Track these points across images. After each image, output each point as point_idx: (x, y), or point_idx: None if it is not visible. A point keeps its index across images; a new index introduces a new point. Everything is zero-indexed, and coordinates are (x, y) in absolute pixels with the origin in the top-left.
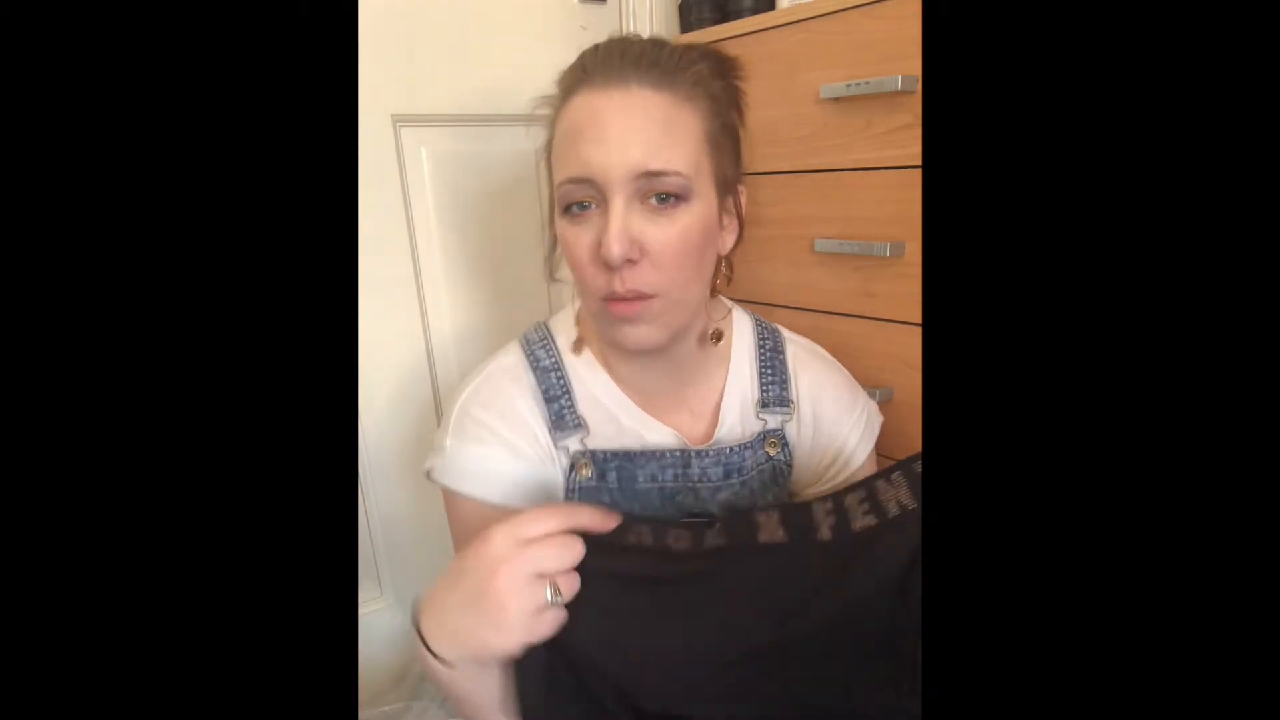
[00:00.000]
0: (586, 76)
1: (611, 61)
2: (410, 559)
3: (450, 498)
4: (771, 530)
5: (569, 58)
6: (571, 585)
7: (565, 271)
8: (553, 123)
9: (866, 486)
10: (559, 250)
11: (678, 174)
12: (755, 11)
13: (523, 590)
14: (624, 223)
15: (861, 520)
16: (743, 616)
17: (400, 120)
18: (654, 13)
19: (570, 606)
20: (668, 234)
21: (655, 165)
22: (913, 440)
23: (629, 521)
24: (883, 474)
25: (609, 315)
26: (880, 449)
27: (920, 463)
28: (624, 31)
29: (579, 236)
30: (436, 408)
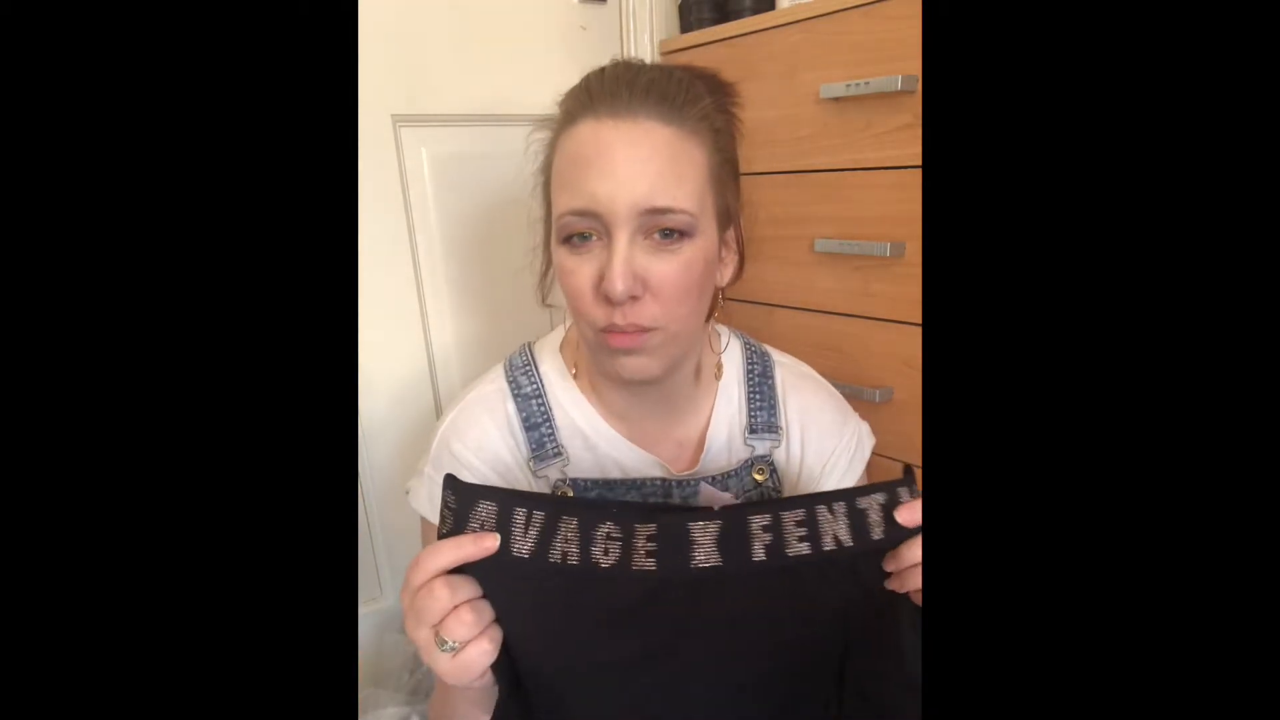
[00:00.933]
0: (592, 103)
1: (619, 90)
2: (409, 560)
3: (423, 522)
4: (706, 551)
5: (569, 58)
6: (459, 627)
7: (555, 296)
8: (552, 145)
9: (806, 509)
10: (552, 275)
11: (683, 211)
12: (755, 11)
13: (429, 644)
14: (628, 258)
15: (795, 546)
16: (667, 645)
17: (400, 120)
18: (654, 13)
19: (501, 624)
20: (670, 269)
21: (662, 202)
22: (913, 440)
23: (553, 521)
24: (825, 499)
25: (606, 346)
26: (880, 449)
27: (863, 499)
28: (623, 32)
29: (579, 267)
30: (437, 412)
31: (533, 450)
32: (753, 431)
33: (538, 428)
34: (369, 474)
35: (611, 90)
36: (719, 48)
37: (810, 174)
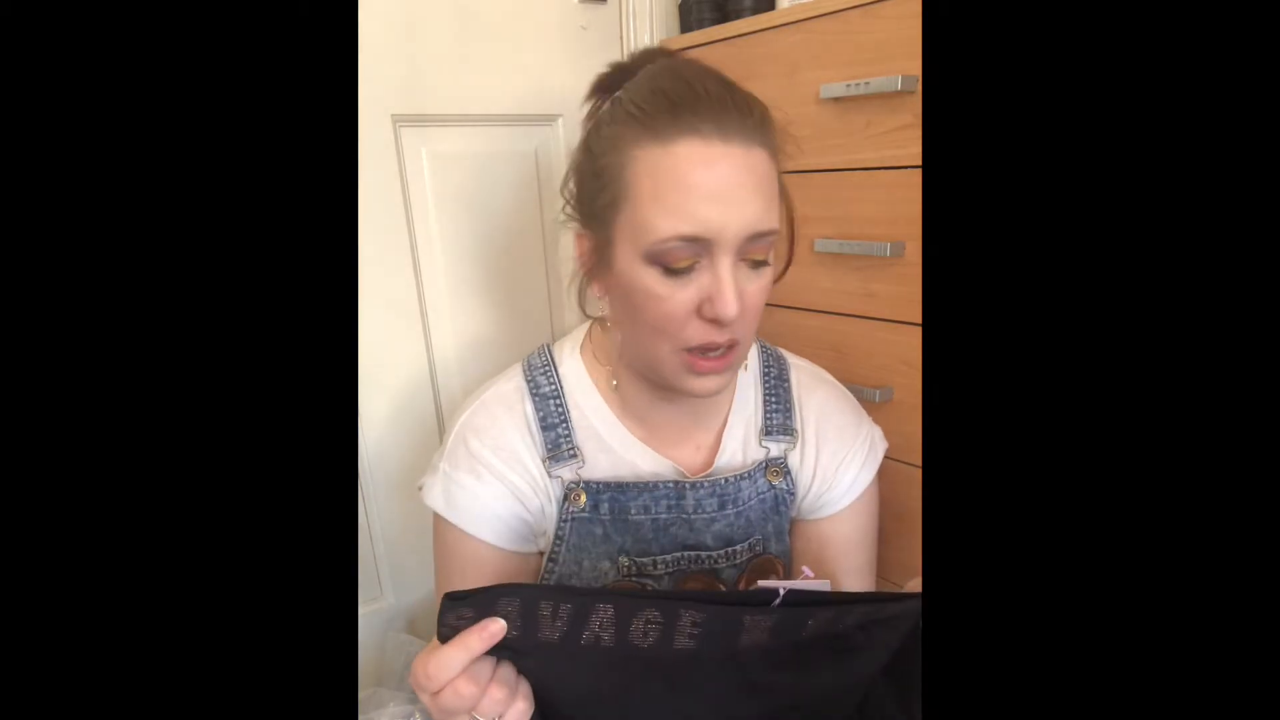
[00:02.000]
0: (697, 121)
1: (712, 109)
2: (409, 560)
3: (436, 518)
4: (756, 635)
5: (569, 58)
6: (494, 706)
7: (592, 306)
8: (626, 155)
9: (876, 606)
10: (582, 284)
11: (775, 231)
12: (755, 11)
13: None
14: (735, 280)
15: (847, 622)
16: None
17: (400, 120)
18: (654, 13)
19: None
20: (758, 287)
21: (765, 225)
22: (913, 440)
23: (585, 606)
24: (902, 598)
25: (691, 368)
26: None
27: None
28: (624, 32)
29: (677, 291)
30: (438, 415)
31: (548, 450)
32: (768, 433)
33: (554, 428)
34: (369, 474)
35: (709, 109)
36: (719, 48)
37: (810, 174)
